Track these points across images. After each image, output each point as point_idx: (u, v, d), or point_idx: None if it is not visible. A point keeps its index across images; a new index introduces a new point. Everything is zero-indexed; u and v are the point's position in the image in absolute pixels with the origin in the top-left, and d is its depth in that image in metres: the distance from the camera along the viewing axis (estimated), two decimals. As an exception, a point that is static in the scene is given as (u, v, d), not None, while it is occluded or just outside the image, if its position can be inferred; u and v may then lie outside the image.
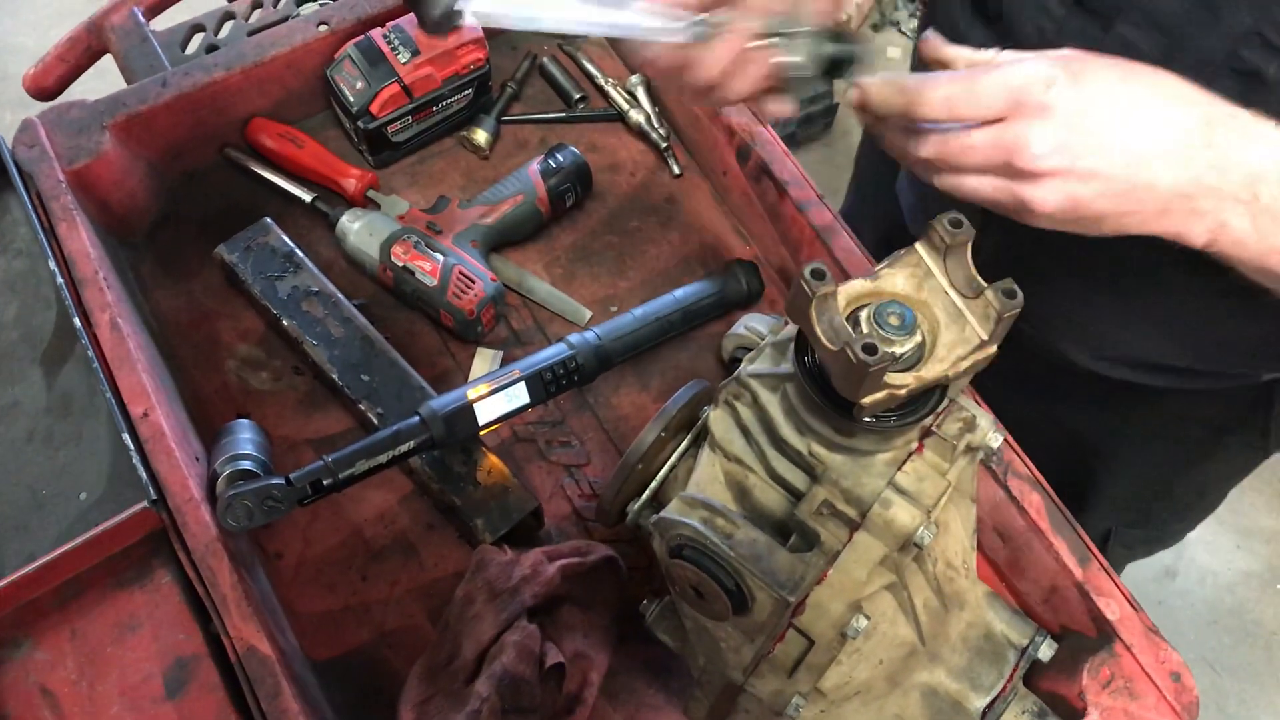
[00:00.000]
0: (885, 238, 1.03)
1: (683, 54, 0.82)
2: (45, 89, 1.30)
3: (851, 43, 0.86)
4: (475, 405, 0.98)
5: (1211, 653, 2.31)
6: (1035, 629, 0.85)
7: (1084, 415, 0.97)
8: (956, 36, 0.83)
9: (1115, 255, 0.84)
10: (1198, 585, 2.39)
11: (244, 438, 0.98)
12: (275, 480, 0.90)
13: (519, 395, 1.00)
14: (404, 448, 0.95)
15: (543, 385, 1.02)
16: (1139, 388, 1.08)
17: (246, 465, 0.94)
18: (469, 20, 0.76)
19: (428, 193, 1.24)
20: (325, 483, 0.92)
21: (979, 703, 0.82)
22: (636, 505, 0.89)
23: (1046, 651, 0.84)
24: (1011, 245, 0.86)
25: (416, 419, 0.96)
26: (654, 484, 0.89)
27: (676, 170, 1.28)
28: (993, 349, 0.68)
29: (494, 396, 0.99)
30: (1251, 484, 2.46)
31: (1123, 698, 0.90)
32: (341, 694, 0.96)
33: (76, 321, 1.00)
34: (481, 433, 1.00)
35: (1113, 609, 0.93)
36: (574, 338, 1.06)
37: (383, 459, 0.94)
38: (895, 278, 0.70)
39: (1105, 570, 0.94)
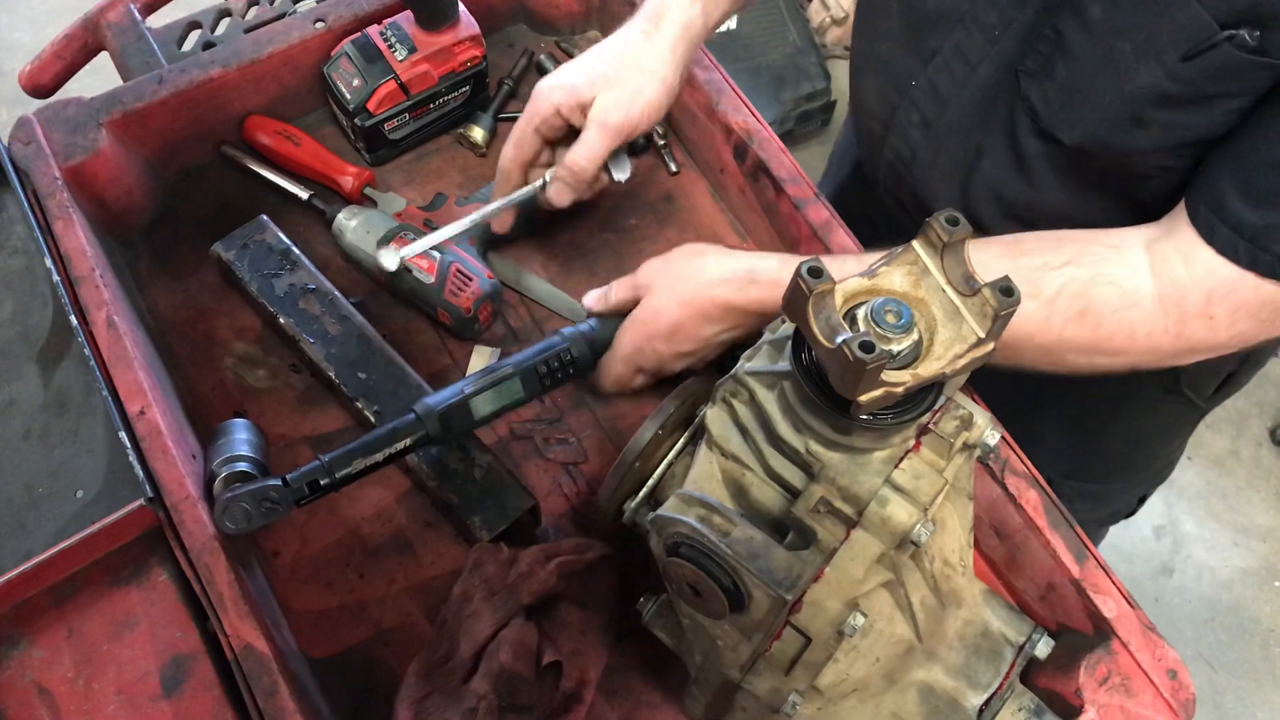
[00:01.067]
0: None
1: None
2: (41, 86, 1.30)
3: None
4: (471, 401, 0.98)
5: (1208, 650, 2.31)
6: (1032, 626, 0.85)
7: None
8: None
9: None
10: (1194, 582, 2.39)
11: (240, 438, 0.98)
12: (272, 482, 0.90)
13: (514, 390, 1.00)
14: (400, 445, 0.94)
15: (538, 379, 1.02)
16: None
17: (243, 467, 0.94)
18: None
19: (425, 190, 1.24)
20: (322, 483, 0.92)
21: (976, 700, 0.82)
22: (633, 503, 0.89)
23: (1044, 649, 0.84)
24: None
25: (412, 416, 0.96)
26: (651, 482, 0.89)
27: (674, 168, 1.28)
28: (990, 346, 0.68)
29: (489, 392, 0.99)
30: (1249, 481, 2.48)
31: (1119, 695, 0.90)
32: (339, 692, 0.96)
33: (73, 319, 0.99)
34: (478, 429, 0.99)
35: (1110, 606, 0.93)
36: (567, 330, 1.06)
37: (379, 457, 0.94)
38: (892, 275, 0.70)
39: (1102, 568, 0.94)
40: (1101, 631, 0.93)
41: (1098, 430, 1.34)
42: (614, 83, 1.05)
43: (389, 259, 1.08)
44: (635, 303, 1.05)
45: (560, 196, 1.10)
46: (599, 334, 1.06)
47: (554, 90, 1.06)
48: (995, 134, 1.03)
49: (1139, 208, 0.98)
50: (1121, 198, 1.00)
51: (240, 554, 0.95)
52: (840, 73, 2.95)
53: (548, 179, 1.10)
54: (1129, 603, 0.93)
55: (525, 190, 1.11)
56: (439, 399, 0.97)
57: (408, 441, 0.95)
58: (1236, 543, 2.43)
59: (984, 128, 1.04)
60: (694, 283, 1.01)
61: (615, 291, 1.06)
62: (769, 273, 0.97)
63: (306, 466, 0.92)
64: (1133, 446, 1.39)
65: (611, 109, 1.04)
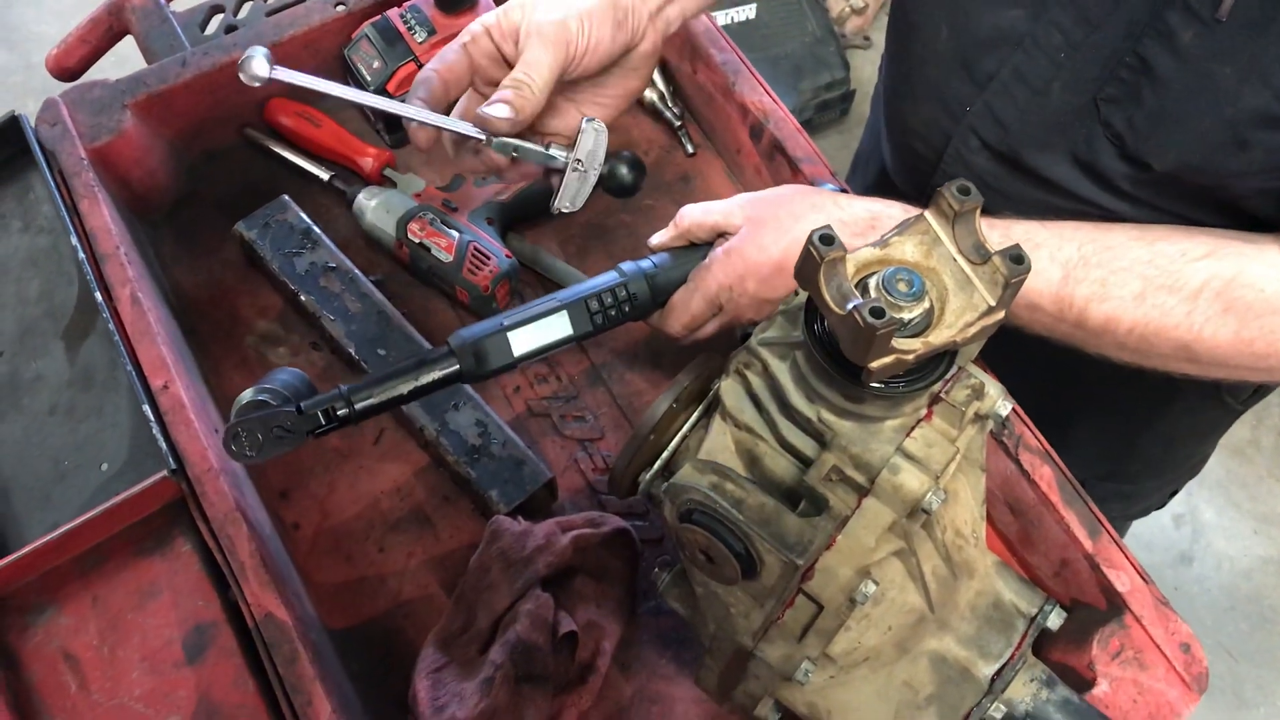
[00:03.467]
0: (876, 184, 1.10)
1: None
2: (67, 69, 1.31)
3: (633, 169, 1.03)
4: (510, 335, 0.90)
5: (1229, 639, 2.30)
6: (1044, 598, 0.85)
7: (1053, 357, 1.00)
8: None
9: None
10: (1214, 571, 2.38)
11: (275, 377, 0.90)
12: (285, 408, 0.83)
13: (559, 326, 0.93)
14: (428, 378, 0.88)
15: (588, 315, 0.94)
16: None
17: (263, 397, 0.86)
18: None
19: (443, 171, 1.25)
20: (339, 413, 0.85)
21: (987, 670, 0.83)
22: (648, 475, 0.90)
23: (1055, 620, 0.84)
24: None
25: (444, 348, 0.89)
26: (665, 455, 0.89)
27: (690, 149, 1.29)
28: (1000, 314, 0.68)
29: (532, 326, 0.91)
30: (1270, 470, 2.47)
31: (1132, 668, 0.91)
32: (357, 662, 0.98)
33: (98, 296, 1.01)
34: (517, 366, 0.92)
35: (1123, 581, 0.93)
36: (626, 265, 0.98)
37: (403, 390, 0.87)
38: (904, 245, 0.71)
39: (1116, 543, 0.95)
40: (1115, 606, 0.93)
41: (1133, 435, 1.33)
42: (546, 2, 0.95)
43: (259, 66, 0.91)
44: (717, 236, 1.00)
45: (500, 116, 0.93)
46: (664, 272, 0.99)
47: (486, 15, 0.97)
48: (1070, 157, 1.00)
49: (1233, 226, 0.94)
50: (1214, 217, 0.96)
51: (261, 526, 0.97)
52: (859, 62, 2.95)
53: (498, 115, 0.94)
54: (1142, 577, 0.94)
55: (447, 120, 0.96)
56: (475, 331, 0.90)
57: (436, 374, 0.88)
58: (1257, 531, 2.42)
59: (1057, 151, 1.00)
60: (807, 222, 0.95)
61: (708, 215, 0.99)
62: (891, 220, 0.90)
63: (324, 395, 0.86)
64: (1167, 448, 1.37)
65: (543, 17, 0.93)
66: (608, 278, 0.97)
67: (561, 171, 0.99)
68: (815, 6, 2.82)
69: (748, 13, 2.73)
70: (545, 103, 0.95)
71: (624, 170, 1.00)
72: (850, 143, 2.82)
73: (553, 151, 0.98)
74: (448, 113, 0.97)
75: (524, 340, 0.91)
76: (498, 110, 0.93)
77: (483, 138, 0.94)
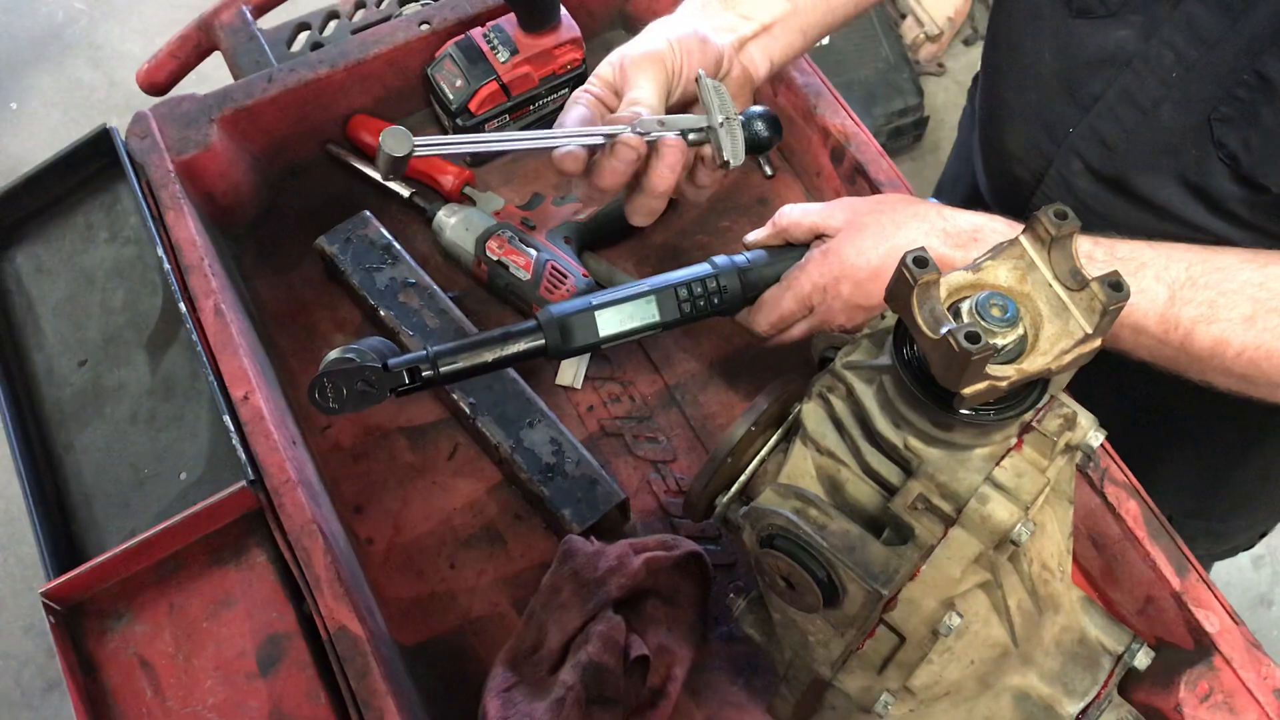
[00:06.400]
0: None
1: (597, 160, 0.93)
2: (156, 84, 1.34)
3: (769, 125, 1.00)
4: (597, 314, 0.90)
5: (1308, 686, 2.23)
6: (1131, 636, 0.83)
7: (1145, 387, 0.97)
8: (1032, 11, 1.03)
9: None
10: (1295, 614, 2.31)
11: (366, 341, 0.90)
12: (371, 364, 0.84)
13: (647, 311, 0.93)
14: (513, 350, 0.89)
15: (676, 304, 0.94)
16: None
17: (350, 355, 0.87)
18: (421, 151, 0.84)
19: (522, 190, 1.25)
20: (424, 373, 0.86)
21: (1072, 708, 0.80)
22: (725, 499, 0.89)
23: (1143, 659, 0.82)
24: None
25: (532, 322, 0.90)
26: (743, 478, 0.88)
27: (769, 171, 1.28)
28: (1097, 342, 0.67)
29: (619, 308, 0.92)
30: (1353, 512, 2.38)
31: (1222, 713, 0.88)
32: (427, 678, 0.97)
33: (182, 306, 1.02)
34: (601, 347, 0.93)
35: (1212, 621, 0.90)
36: (719, 258, 0.98)
37: (488, 357, 0.88)
38: (998, 270, 0.70)
39: (1204, 581, 0.92)
40: (1203, 647, 0.90)
41: (1226, 470, 1.29)
42: (635, 39, 0.99)
43: (398, 145, 0.83)
44: (815, 237, 0.99)
45: (626, 146, 0.91)
46: (756, 268, 0.99)
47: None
48: (1180, 180, 0.98)
49: None
50: None
51: (336, 539, 0.97)
52: (933, 89, 2.92)
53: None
54: (1232, 618, 0.91)
55: (603, 128, 0.93)
56: (563, 307, 0.91)
57: (521, 346, 0.89)
58: (1340, 575, 2.34)
59: (1165, 174, 0.99)
60: (909, 230, 0.94)
61: (807, 216, 0.99)
62: (995, 234, 0.91)
63: (410, 354, 0.87)
64: (1260, 486, 1.34)
65: (636, 49, 0.96)
66: (700, 268, 0.97)
67: (704, 138, 0.95)
68: (889, 33, 2.80)
69: (822, 38, 2.72)
70: None
71: (760, 125, 0.98)
72: (923, 169, 2.80)
73: (696, 116, 0.96)
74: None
75: (610, 321, 0.91)
76: (624, 144, 0.92)
77: (628, 130, 0.91)
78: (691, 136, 0.94)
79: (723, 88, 0.96)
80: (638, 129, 0.91)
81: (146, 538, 0.93)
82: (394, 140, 0.82)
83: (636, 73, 0.95)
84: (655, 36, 0.97)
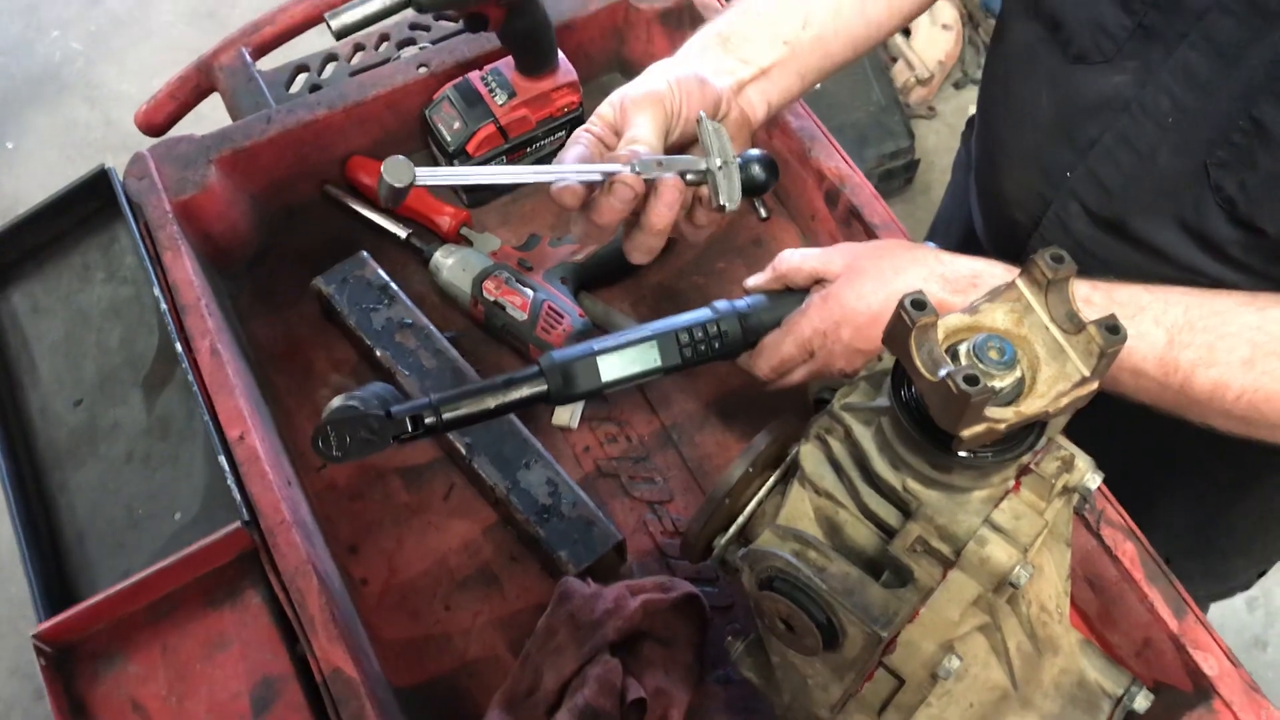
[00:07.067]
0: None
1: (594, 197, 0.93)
2: (155, 125, 1.35)
3: (766, 168, 1.00)
4: (599, 359, 0.91)
5: (1304, 728, 2.22)
6: (1130, 679, 0.83)
7: (1143, 427, 0.97)
8: (1029, 56, 1.04)
9: None
10: (1290, 657, 2.30)
11: (369, 388, 0.90)
12: (374, 411, 0.84)
13: (649, 356, 0.93)
14: (515, 396, 0.88)
15: (678, 348, 0.94)
16: None
17: (352, 403, 0.87)
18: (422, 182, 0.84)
19: (519, 231, 1.26)
20: (427, 421, 0.85)
21: (1072, 753, 0.80)
22: (723, 540, 0.88)
23: (1143, 702, 0.82)
24: None
25: (534, 368, 0.90)
26: (741, 519, 0.88)
27: (764, 213, 1.28)
28: (1094, 385, 0.67)
29: (621, 353, 0.92)
30: (1347, 553, 2.38)
31: (1221, 756, 0.87)
32: (422, 720, 0.97)
33: (178, 346, 1.02)
34: (603, 392, 0.93)
35: (1210, 664, 0.90)
36: (720, 303, 0.99)
37: (490, 404, 0.88)
38: (995, 312, 0.70)
39: (1202, 623, 0.92)
40: (1201, 689, 0.90)
41: (1224, 509, 1.29)
42: (635, 81, 0.99)
43: (400, 175, 0.83)
44: (814, 282, 1.00)
45: (624, 184, 0.91)
46: (756, 313, 1.00)
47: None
48: (1178, 222, 0.98)
49: None
50: None
51: (331, 580, 0.96)
52: (924, 132, 2.95)
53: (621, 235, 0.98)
54: (1231, 660, 0.90)
55: (591, 165, 0.93)
56: (565, 353, 0.91)
57: (524, 392, 0.89)
58: (1334, 617, 2.34)
59: (1163, 217, 0.99)
60: (909, 275, 0.94)
61: (807, 261, 1.00)
62: (994, 279, 0.90)
63: (413, 402, 0.86)
64: (1259, 525, 1.34)
65: (637, 89, 0.97)
66: (701, 313, 0.97)
67: (702, 179, 0.96)
68: (880, 76, 2.83)
69: (818, 83, 2.74)
70: None
71: (757, 169, 0.99)
72: (915, 210, 2.82)
73: (694, 158, 0.96)
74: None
75: (612, 367, 0.92)
76: (622, 183, 0.92)
77: (627, 169, 0.92)
78: (689, 177, 0.95)
79: (723, 130, 0.96)
80: (636, 168, 0.92)
81: (140, 578, 0.93)
82: (395, 170, 0.83)
83: (636, 112, 0.96)
84: (656, 77, 0.98)
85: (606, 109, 0.98)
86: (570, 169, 0.92)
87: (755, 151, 1.01)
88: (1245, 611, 2.34)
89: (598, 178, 0.92)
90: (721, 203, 0.95)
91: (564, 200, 0.93)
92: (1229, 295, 0.90)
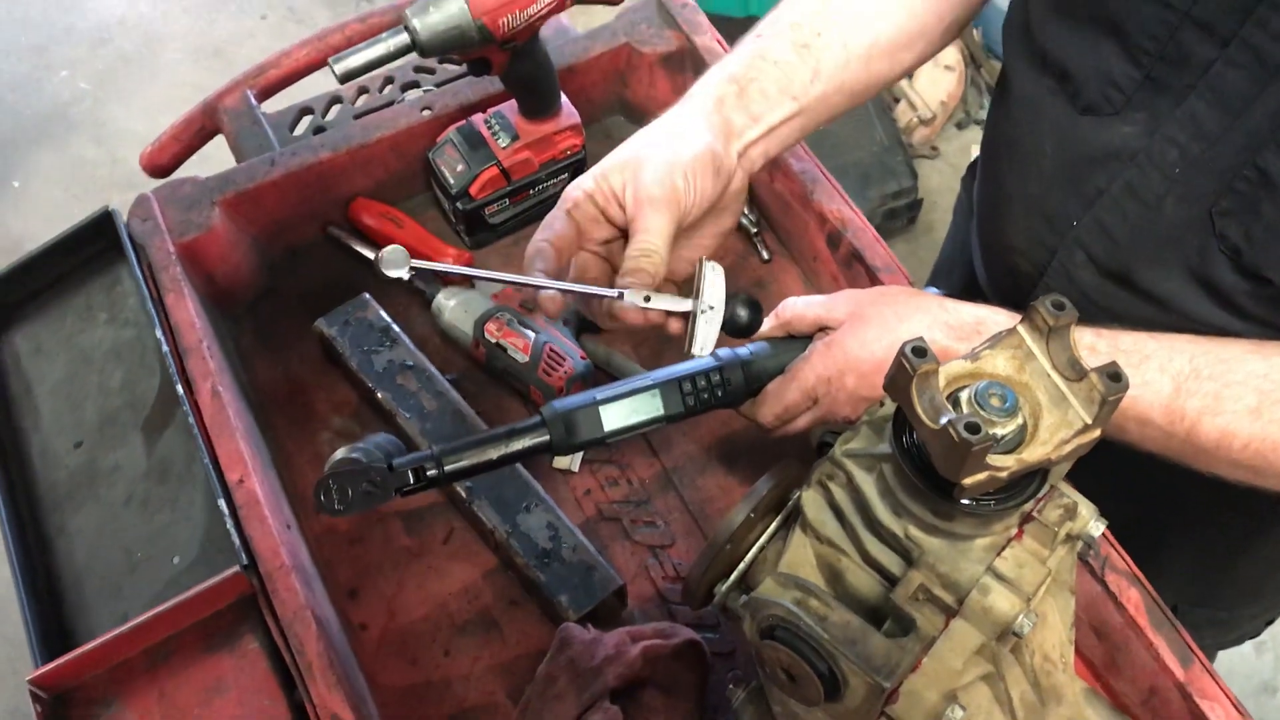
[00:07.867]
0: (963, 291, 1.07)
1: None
2: (159, 166, 1.35)
3: (750, 309, 0.98)
4: (601, 409, 0.90)
5: (1314, 775, 2.20)
6: (1137, 730, 0.82)
7: (1148, 474, 0.96)
8: (1035, 107, 1.02)
9: None
10: (1299, 701, 2.28)
11: (371, 439, 0.92)
12: (376, 464, 0.84)
13: (651, 404, 0.92)
14: (517, 446, 0.88)
15: (680, 397, 0.93)
16: None
17: (355, 455, 0.89)
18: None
19: (521, 273, 1.25)
20: (429, 473, 0.85)
21: (1078, 805, 0.79)
22: (724, 586, 0.88)
23: (1149, 754, 0.81)
24: None
25: (536, 418, 0.89)
26: (742, 565, 0.88)
27: (765, 256, 1.29)
28: (1096, 433, 0.67)
29: (624, 403, 0.91)
30: (1355, 596, 2.36)
31: (1230, 808, 0.86)
32: (420, 769, 0.96)
33: (179, 388, 1.02)
34: (606, 441, 0.92)
35: (1217, 713, 0.89)
36: (722, 351, 0.98)
37: (493, 455, 0.87)
38: (996, 359, 0.70)
39: (1208, 671, 0.91)
40: (1208, 739, 0.89)
41: (1232, 557, 1.28)
42: (645, 161, 0.96)
43: (395, 266, 0.87)
44: (818, 329, 1.00)
45: (640, 286, 0.94)
46: (760, 361, 0.99)
47: (582, 179, 0.98)
48: (1184, 272, 0.98)
49: None
50: None
51: (330, 625, 0.96)
52: (926, 171, 2.96)
53: (623, 294, 0.95)
54: (1238, 709, 0.89)
55: (581, 286, 0.96)
56: (567, 403, 0.90)
57: (526, 443, 0.88)
58: (1343, 661, 2.32)
59: (1169, 266, 0.98)
60: (912, 322, 0.94)
61: (810, 308, 1.00)
62: (998, 326, 0.89)
63: (414, 454, 0.86)
64: (1268, 573, 1.32)
65: (652, 184, 0.94)
66: (703, 361, 0.96)
67: (687, 316, 0.96)
68: (883, 116, 2.85)
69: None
70: None
71: (741, 311, 0.98)
72: (917, 250, 2.82)
73: (682, 299, 0.96)
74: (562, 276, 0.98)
75: (615, 416, 0.91)
76: (640, 281, 0.94)
77: (615, 295, 0.94)
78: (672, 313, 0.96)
79: (720, 274, 0.97)
80: (625, 298, 0.93)
81: (138, 623, 0.92)
82: (392, 260, 0.86)
83: (652, 213, 0.94)
84: (671, 167, 0.95)
85: (604, 187, 0.97)
86: (559, 285, 0.94)
87: (741, 294, 0.99)
88: (1254, 656, 2.32)
89: (592, 293, 0.95)
90: (694, 351, 0.96)
91: (547, 309, 0.96)
92: (1235, 343, 0.90)
